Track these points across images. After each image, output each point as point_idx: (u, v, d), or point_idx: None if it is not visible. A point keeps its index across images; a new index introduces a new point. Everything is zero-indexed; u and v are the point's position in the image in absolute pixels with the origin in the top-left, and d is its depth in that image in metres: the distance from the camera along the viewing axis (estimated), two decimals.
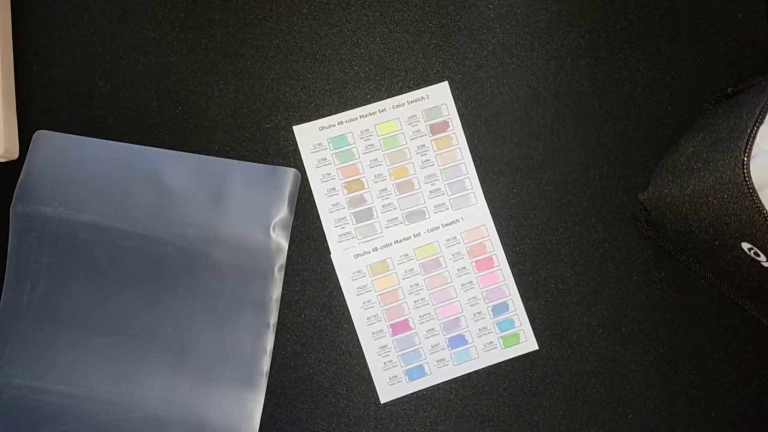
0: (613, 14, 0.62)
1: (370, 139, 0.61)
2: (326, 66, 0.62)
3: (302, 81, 0.62)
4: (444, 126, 0.61)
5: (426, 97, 0.62)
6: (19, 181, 0.59)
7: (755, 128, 0.47)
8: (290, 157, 0.61)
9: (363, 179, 0.61)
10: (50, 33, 0.62)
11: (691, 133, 0.57)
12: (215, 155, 0.61)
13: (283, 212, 0.60)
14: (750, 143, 0.47)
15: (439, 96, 0.62)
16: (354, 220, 0.61)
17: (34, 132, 0.60)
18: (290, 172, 0.60)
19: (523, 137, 0.62)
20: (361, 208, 0.61)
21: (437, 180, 0.61)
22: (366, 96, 0.62)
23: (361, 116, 0.61)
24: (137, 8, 0.62)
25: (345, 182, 0.61)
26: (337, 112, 0.62)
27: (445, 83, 0.62)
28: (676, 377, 0.60)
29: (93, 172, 0.60)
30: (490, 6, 0.62)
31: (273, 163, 0.61)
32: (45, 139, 0.60)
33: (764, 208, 0.46)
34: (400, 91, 0.62)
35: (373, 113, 0.61)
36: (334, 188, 0.61)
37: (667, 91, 0.62)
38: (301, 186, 0.61)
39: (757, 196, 0.46)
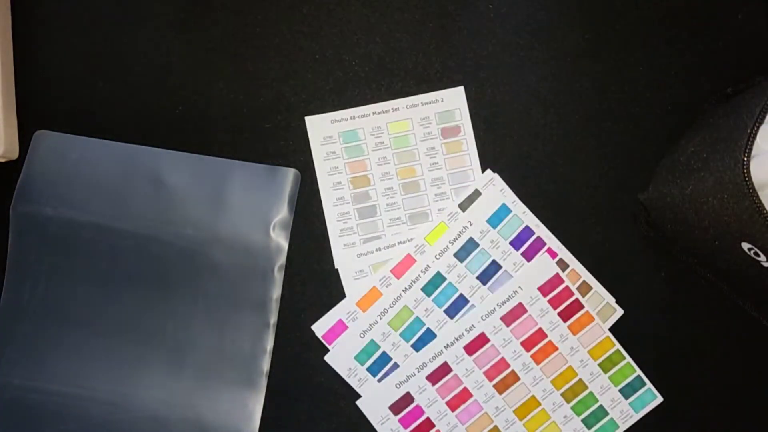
0: (613, 14, 0.62)
1: (380, 136, 0.61)
2: (326, 66, 0.62)
3: (302, 81, 0.62)
4: (456, 131, 0.61)
5: (440, 100, 0.61)
6: (19, 181, 0.59)
7: (755, 128, 0.47)
8: (290, 157, 0.61)
9: (370, 176, 0.61)
10: (50, 33, 0.62)
11: (691, 133, 0.57)
12: (215, 155, 0.61)
13: (283, 212, 0.60)
14: (750, 143, 0.47)
15: (454, 100, 0.61)
16: (357, 216, 0.61)
17: (34, 132, 0.60)
18: (290, 172, 0.60)
19: (522, 137, 0.62)
20: (365, 204, 0.61)
21: (443, 184, 0.61)
22: (366, 96, 0.62)
23: (374, 113, 0.61)
24: (137, 8, 0.62)
25: (352, 177, 0.61)
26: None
27: (461, 88, 0.61)
28: (676, 377, 0.60)
29: (93, 172, 0.60)
30: (490, 6, 0.62)
31: (273, 163, 0.61)
32: (45, 139, 0.60)
33: (764, 208, 0.46)
34: (400, 92, 0.62)
35: (386, 111, 0.61)
36: (340, 182, 0.61)
37: (667, 91, 0.62)
38: (302, 185, 0.61)
39: (757, 196, 0.46)
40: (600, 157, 0.62)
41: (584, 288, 0.60)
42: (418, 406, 0.59)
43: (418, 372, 0.59)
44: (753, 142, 0.47)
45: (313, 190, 0.61)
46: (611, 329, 0.60)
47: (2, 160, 0.59)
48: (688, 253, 0.59)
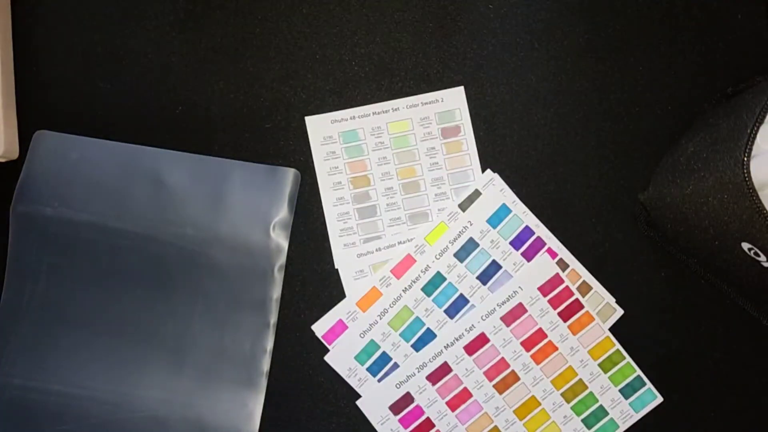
0: (613, 14, 0.62)
1: (380, 136, 0.61)
2: (326, 66, 0.62)
3: (302, 81, 0.62)
4: (456, 131, 0.61)
5: (440, 100, 0.61)
6: (19, 181, 0.59)
7: (755, 128, 0.47)
8: (290, 157, 0.61)
9: (370, 176, 0.61)
10: (50, 33, 0.62)
11: (691, 133, 0.57)
12: (215, 155, 0.61)
13: (283, 212, 0.60)
14: (750, 143, 0.47)
15: (454, 100, 0.61)
16: (357, 216, 0.61)
17: (34, 132, 0.60)
18: (290, 172, 0.60)
19: (522, 137, 0.62)
20: (365, 204, 0.61)
21: (443, 184, 0.61)
22: (366, 96, 0.62)
23: (374, 113, 0.61)
24: (137, 8, 0.62)
25: (352, 177, 0.61)
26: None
27: (461, 88, 0.61)
28: (676, 377, 0.60)
29: (93, 172, 0.60)
30: (490, 6, 0.62)
31: (273, 163, 0.61)
32: (45, 139, 0.60)
33: (764, 208, 0.46)
34: (400, 92, 0.62)
35: (386, 111, 0.61)
36: (340, 182, 0.61)
37: (667, 91, 0.62)
38: (302, 185, 0.61)
39: (757, 196, 0.46)
40: (600, 157, 0.62)
41: (584, 288, 0.60)
42: (418, 406, 0.59)
43: (418, 372, 0.59)
44: (753, 142, 0.47)
45: (313, 190, 0.61)
46: (611, 329, 0.60)
47: (2, 160, 0.59)
48: (688, 253, 0.59)
